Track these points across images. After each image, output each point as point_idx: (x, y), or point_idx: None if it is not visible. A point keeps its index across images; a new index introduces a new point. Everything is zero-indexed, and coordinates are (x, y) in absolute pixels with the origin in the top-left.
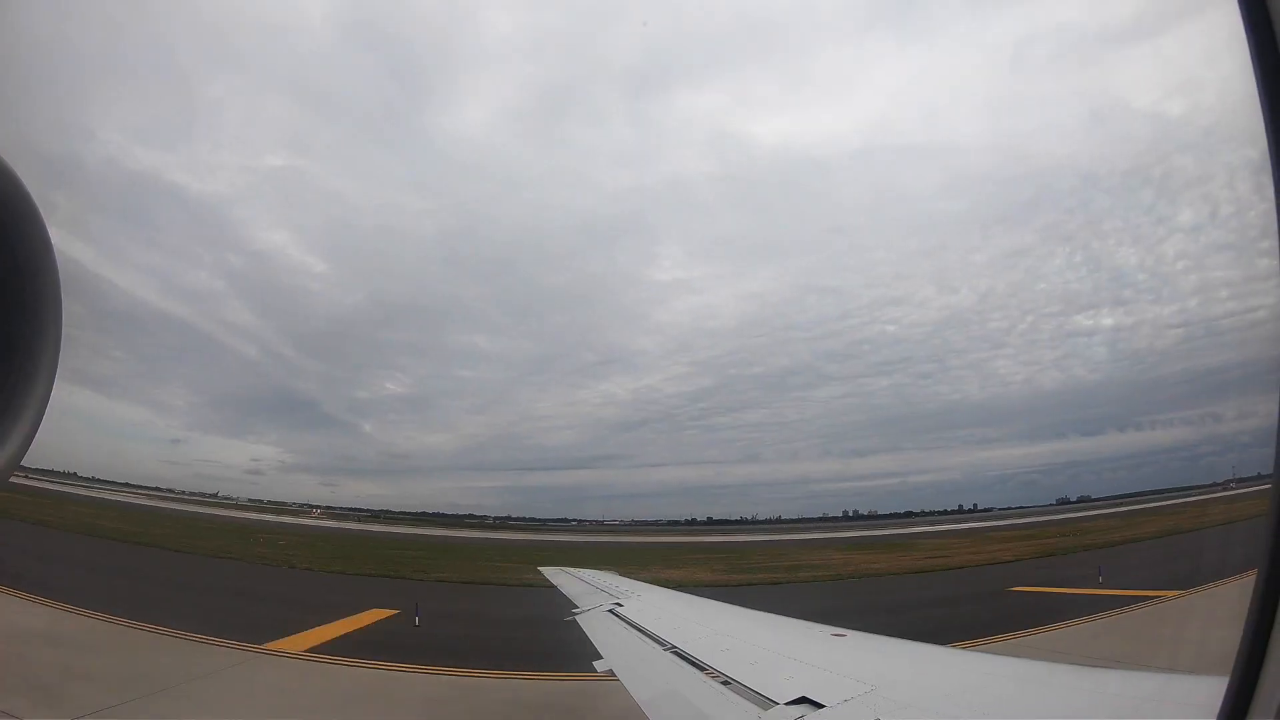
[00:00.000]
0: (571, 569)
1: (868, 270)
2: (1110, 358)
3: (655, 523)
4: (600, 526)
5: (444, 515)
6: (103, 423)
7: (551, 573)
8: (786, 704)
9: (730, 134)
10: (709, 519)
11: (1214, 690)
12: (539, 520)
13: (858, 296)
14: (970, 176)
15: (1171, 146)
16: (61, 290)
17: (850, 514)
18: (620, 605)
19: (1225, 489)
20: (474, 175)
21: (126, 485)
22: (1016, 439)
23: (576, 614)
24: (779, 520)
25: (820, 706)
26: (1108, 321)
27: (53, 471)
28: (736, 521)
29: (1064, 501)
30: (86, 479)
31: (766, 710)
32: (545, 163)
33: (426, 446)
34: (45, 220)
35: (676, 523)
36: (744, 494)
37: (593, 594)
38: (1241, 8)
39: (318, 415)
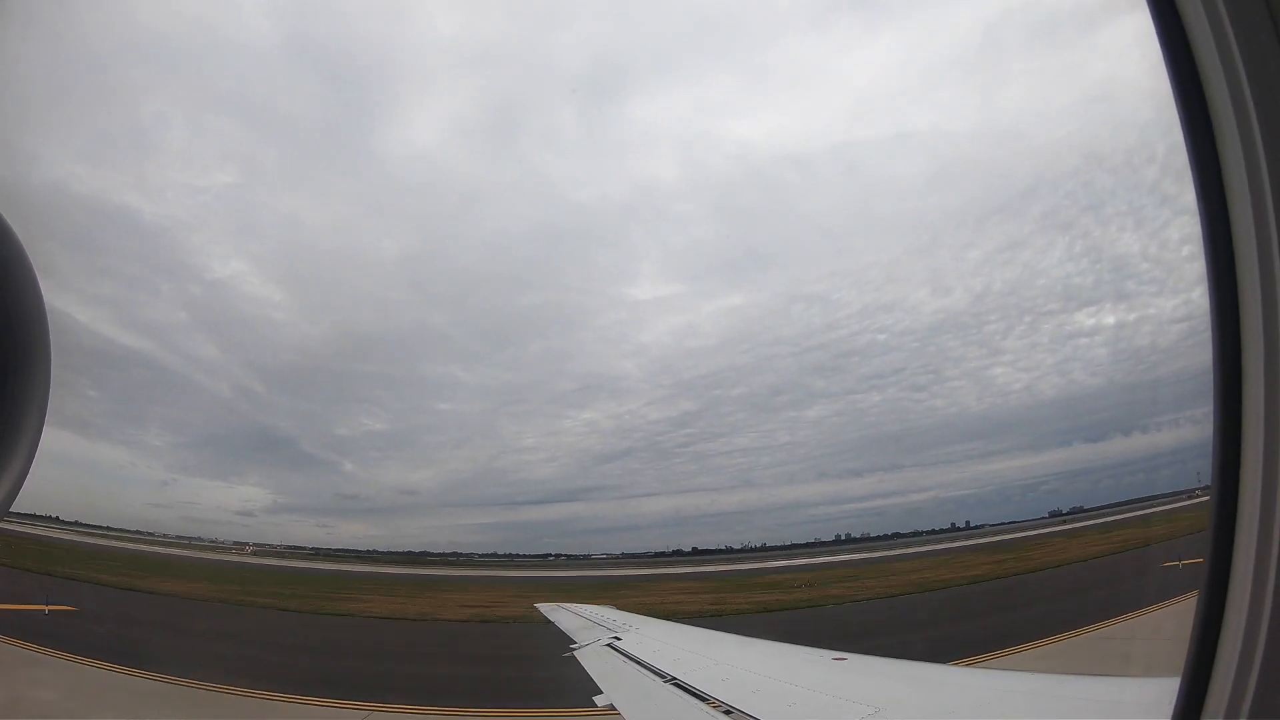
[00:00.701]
0: (569, 605)
1: (857, 274)
2: (1111, 359)
3: (640, 555)
4: (574, 561)
5: (429, 555)
6: (83, 464)
7: (548, 609)
8: None
9: (697, 137)
10: (693, 549)
11: (1175, 692)
12: (508, 556)
13: (846, 304)
14: (962, 165)
15: (1172, 118)
16: (49, 329)
17: (842, 537)
18: (618, 639)
19: (1190, 497)
20: (430, 195)
21: (108, 529)
22: (1020, 450)
23: (575, 649)
24: (763, 548)
25: None
26: (1109, 320)
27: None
28: (720, 551)
29: (1055, 514)
30: (70, 523)
31: None
32: (503, 179)
33: (410, 484)
34: (30, 257)
35: (662, 554)
36: (743, 521)
37: (590, 629)
38: (1151, 10)
39: (299, 454)
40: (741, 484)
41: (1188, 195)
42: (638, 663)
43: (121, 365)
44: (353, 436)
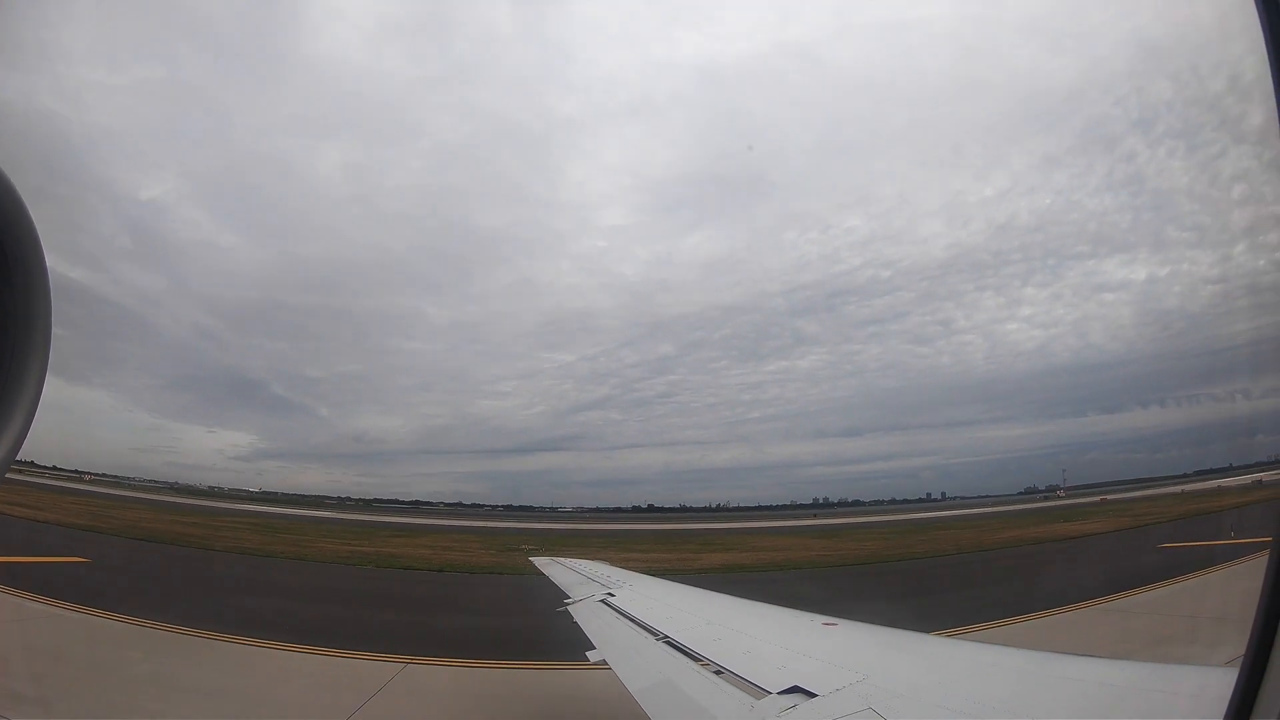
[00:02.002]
0: (563, 559)
1: (861, 190)
2: (1136, 320)
3: (594, 510)
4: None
5: (398, 502)
6: (63, 406)
7: (543, 563)
8: (779, 693)
9: (661, 29)
10: (649, 506)
11: (1220, 682)
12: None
13: (847, 231)
14: (990, 60)
15: (1251, 17)
16: (51, 287)
17: (820, 501)
18: (612, 595)
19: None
20: (363, 99)
21: (76, 472)
22: (1031, 418)
23: (569, 604)
24: (718, 509)
25: (813, 696)
26: (1140, 274)
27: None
28: (676, 510)
29: (1031, 491)
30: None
31: (759, 700)
32: (441, 80)
33: (384, 430)
34: (32, 213)
35: (621, 510)
36: (736, 479)
37: (584, 584)
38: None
39: (272, 398)
40: (734, 439)
41: (1253, 117)
42: (630, 619)
43: (80, 301)
44: (326, 379)
